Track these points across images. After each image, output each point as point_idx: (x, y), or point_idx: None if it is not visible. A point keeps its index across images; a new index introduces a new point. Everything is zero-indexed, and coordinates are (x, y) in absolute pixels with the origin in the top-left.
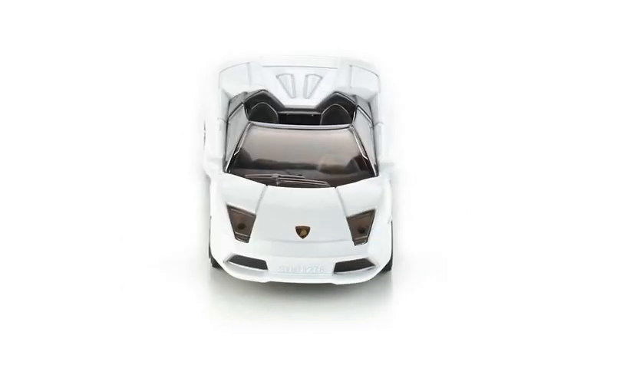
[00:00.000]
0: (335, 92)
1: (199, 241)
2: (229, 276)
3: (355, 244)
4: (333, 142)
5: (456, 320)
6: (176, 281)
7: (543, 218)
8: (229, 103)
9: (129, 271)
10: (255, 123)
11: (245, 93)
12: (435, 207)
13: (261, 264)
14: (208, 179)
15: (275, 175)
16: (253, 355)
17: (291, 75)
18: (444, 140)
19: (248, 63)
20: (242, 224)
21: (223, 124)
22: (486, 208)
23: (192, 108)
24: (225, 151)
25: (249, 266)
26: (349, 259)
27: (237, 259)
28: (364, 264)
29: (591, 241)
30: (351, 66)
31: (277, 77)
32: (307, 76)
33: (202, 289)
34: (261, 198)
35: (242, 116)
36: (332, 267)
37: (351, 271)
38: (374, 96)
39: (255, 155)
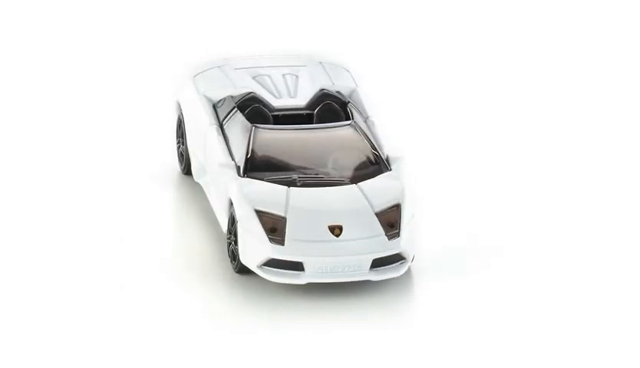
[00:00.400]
0: (322, 89)
1: (198, 243)
2: (239, 278)
3: (389, 240)
4: (341, 139)
5: (478, 317)
6: (183, 283)
7: (552, 210)
8: (214, 107)
9: (128, 271)
10: (259, 125)
11: (232, 96)
12: (434, 202)
13: (297, 266)
14: (192, 183)
15: (293, 176)
16: (268, 355)
17: (269, 76)
18: (429, 134)
19: (219, 66)
20: (273, 227)
21: (219, 130)
22: (486, 201)
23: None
24: (231, 156)
25: (285, 269)
26: (386, 255)
27: (272, 263)
28: (396, 258)
29: (610, 233)
30: (320, 62)
31: (254, 78)
32: (284, 75)
33: (216, 291)
34: (287, 200)
35: (240, 120)
36: (369, 264)
37: (386, 267)
38: (353, 92)
39: (266, 157)
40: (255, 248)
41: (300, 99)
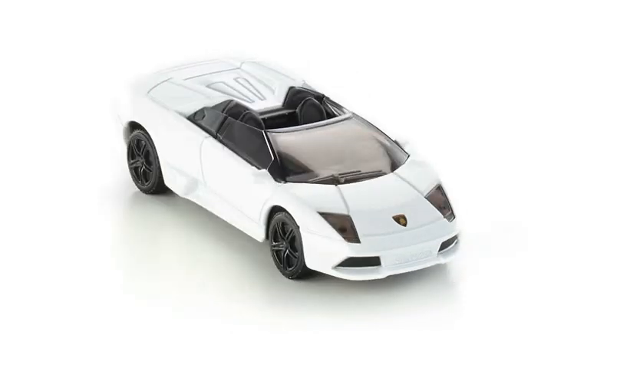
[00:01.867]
0: (291, 87)
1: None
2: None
3: (449, 221)
4: (354, 132)
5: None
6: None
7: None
8: (192, 121)
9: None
10: (269, 130)
11: (207, 107)
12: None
13: (374, 261)
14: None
15: (331, 174)
16: (309, 354)
17: (222, 82)
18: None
19: (167, 79)
20: (342, 227)
21: (217, 141)
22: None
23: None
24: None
25: (361, 266)
26: (451, 236)
27: (348, 262)
28: (452, 239)
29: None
30: (255, 63)
31: (209, 86)
32: (236, 79)
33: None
34: (343, 198)
35: (241, 128)
36: (438, 248)
37: (447, 248)
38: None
39: (293, 160)
40: (326, 250)
41: (273, 100)
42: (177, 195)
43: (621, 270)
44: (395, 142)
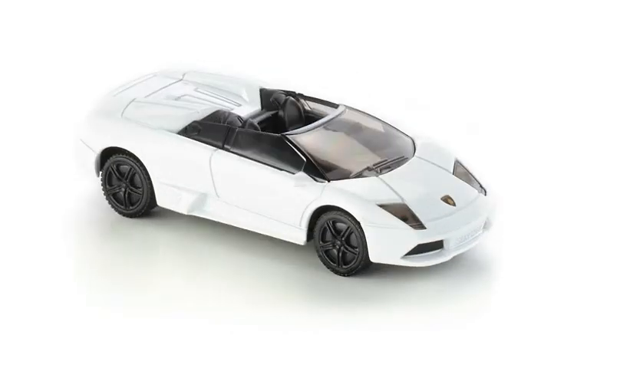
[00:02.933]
0: (262, 89)
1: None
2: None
3: (485, 195)
4: (359, 123)
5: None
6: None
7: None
8: (186, 136)
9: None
10: (285, 133)
11: (197, 121)
12: None
13: (437, 245)
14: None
15: (366, 166)
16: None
17: (188, 95)
18: None
19: (132, 100)
20: (404, 216)
21: (229, 152)
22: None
23: None
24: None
25: (425, 252)
26: (491, 210)
27: (414, 250)
28: None
29: None
30: (197, 73)
31: (179, 99)
32: (197, 90)
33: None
34: (391, 188)
35: (254, 136)
36: (483, 223)
37: (485, 222)
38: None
39: (322, 159)
40: (393, 240)
41: (250, 104)
42: (155, 213)
43: None
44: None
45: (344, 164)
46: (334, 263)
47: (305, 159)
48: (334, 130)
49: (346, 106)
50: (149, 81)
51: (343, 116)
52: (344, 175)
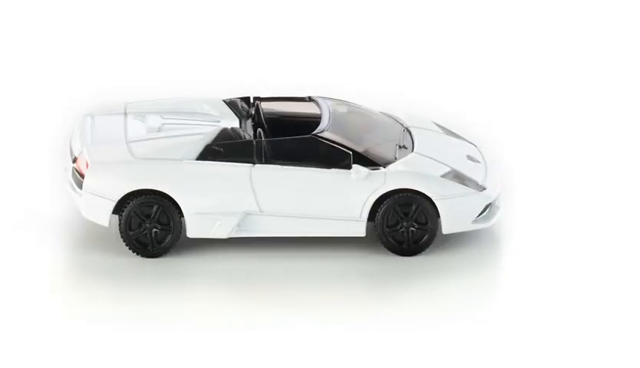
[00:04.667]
0: (224, 101)
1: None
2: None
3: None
4: (351, 111)
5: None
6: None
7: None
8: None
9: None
10: (314, 133)
11: (210, 144)
12: None
13: (488, 206)
14: None
15: (396, 145)
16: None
17: (168, 124)
18: None
19: (127, 142)
20: (463, 182)
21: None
22: None
23: None
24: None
25: (483, 213)
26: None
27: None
28: None
29: None
30: (135, 102)
31: (164, 126)
32: (163, 117)
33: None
34: (434, 159)
35: (289, 142)
36: None
37: None
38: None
39: (363, 149)
40: (465, 207)
41: (227, 119)
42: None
43: None
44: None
45: (380, 148)
46: (402, 244)
47: (350, 152)
48: (342, 122)
49: (314, 97)
50: (104, 123)
51: (335, 108)
52: (390, 157)
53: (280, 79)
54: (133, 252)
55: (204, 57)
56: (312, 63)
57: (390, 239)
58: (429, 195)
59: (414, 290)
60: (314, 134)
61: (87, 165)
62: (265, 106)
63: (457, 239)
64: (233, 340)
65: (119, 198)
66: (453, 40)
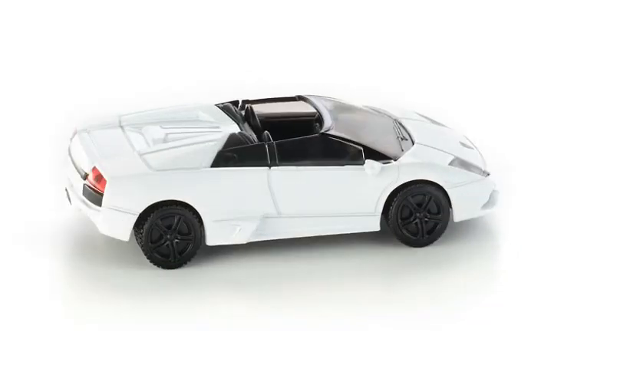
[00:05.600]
0: (217, 106)
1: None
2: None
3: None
4: (344, 107)
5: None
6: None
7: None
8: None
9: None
10: (323, 131)
11: (222, 151)
12: None
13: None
14: None
15: (398, 138)
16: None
17: (171, 133)
18: None
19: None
20: (468, 169)
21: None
22: None
23: None
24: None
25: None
26: None
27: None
28: None
29: None
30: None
31: (168, 136)
32: (163, 127)
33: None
34: (436, 148)
35: (300, 142)
36: None
37: None
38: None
39: (372, 144)
40: (474, 194)
41: (226, 123)
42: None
43: None
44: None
45: (385, 141)
46: (416, 236)
47: (361, 148)
48: (343, 118)
49: (303, 96)
50: (103, 137)
51: (331, 105)
52: (397, 150)
53: (259, 79)
54: (156, 265)
55: (180, 63)
56: (290, 62)
57: (405, 232)
58: (441, 185)
59: (423, 284)
60: (323, 132)
61: (103, 181)
62: (257, 108)
63: (464, 230)
64: (241, 340)
65: (141, 211)
66: (441, 36)
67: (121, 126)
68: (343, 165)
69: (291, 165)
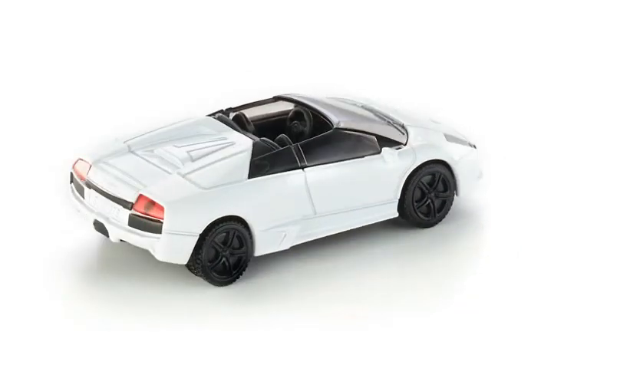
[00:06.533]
0: (214, 117)
1: None
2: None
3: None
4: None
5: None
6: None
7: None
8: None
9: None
10: (337, 127)
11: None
12: None
13: None
14: None
15: (388, 122)
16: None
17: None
18: None
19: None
20: (458, 142)
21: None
22: None
23: None
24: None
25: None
26: None
27: None
28: None
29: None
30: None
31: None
32: (184, 146)
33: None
34: (424, 127)
35: (320, 140)
36: None
37: None
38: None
39: (382, 131)
40: (472, 166)
41: (233, 133)
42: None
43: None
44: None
45: (387, 128)
46: (428, 217)
47: (374, 137)
48: (340, 111)
49: (283, 96)
50: (123, 164)
51: (322, 100)
52: (401, 134)
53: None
54: (215, 284)
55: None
56: (254, 64)
57: (419, 214)
58: (448, 162)
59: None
60: (337, 127)
61: (157, 207)
62: (247, 113)
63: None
64: (241, 340)
65: (201, 231)
66: (422, 30)
67: (132, 151)
68: (363, 156)
69: (319, 163)
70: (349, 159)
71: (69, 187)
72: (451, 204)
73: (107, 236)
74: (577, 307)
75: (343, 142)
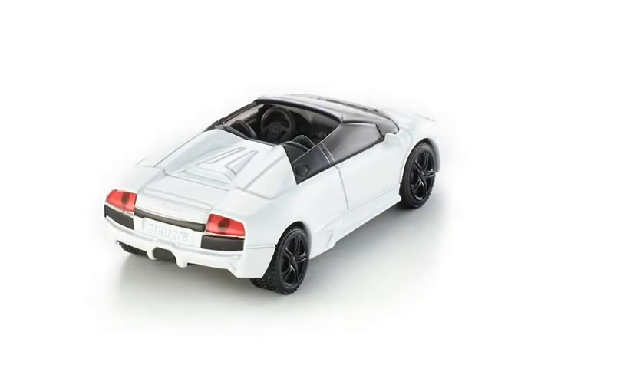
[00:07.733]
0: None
1: None
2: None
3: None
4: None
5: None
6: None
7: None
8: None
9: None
10: (345, 120)
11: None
12: None
13: None
14: None
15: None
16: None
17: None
18: None
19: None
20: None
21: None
22: None
23: None
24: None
25: None
26: None
27: None
28: None
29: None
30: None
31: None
32: (210, 161)
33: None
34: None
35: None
36: None
37: None
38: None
39: (379, 118)
40: (442, 139)
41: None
42: None
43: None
44: None
45: (376, 115)
46: (423, 197)
47: (374, 125)
48: (332, 104)
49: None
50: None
51: (310, 98)
52: (389, 119)
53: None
54: (286, 293)
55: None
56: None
57: (416, 196)
58: (433, 139)
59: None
60: (344, 121)
61: (235, 224)
62: (244, 120)
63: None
64: (241, 341)
65: (277, 241)
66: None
67: (168, 174)
68: (372, 145)
69: (345, 158)
70: (363, 149)
71: (105, 221)
72: (434, 180)
73: (174, 262)
74: (577, 307)
75: (353, 134)
